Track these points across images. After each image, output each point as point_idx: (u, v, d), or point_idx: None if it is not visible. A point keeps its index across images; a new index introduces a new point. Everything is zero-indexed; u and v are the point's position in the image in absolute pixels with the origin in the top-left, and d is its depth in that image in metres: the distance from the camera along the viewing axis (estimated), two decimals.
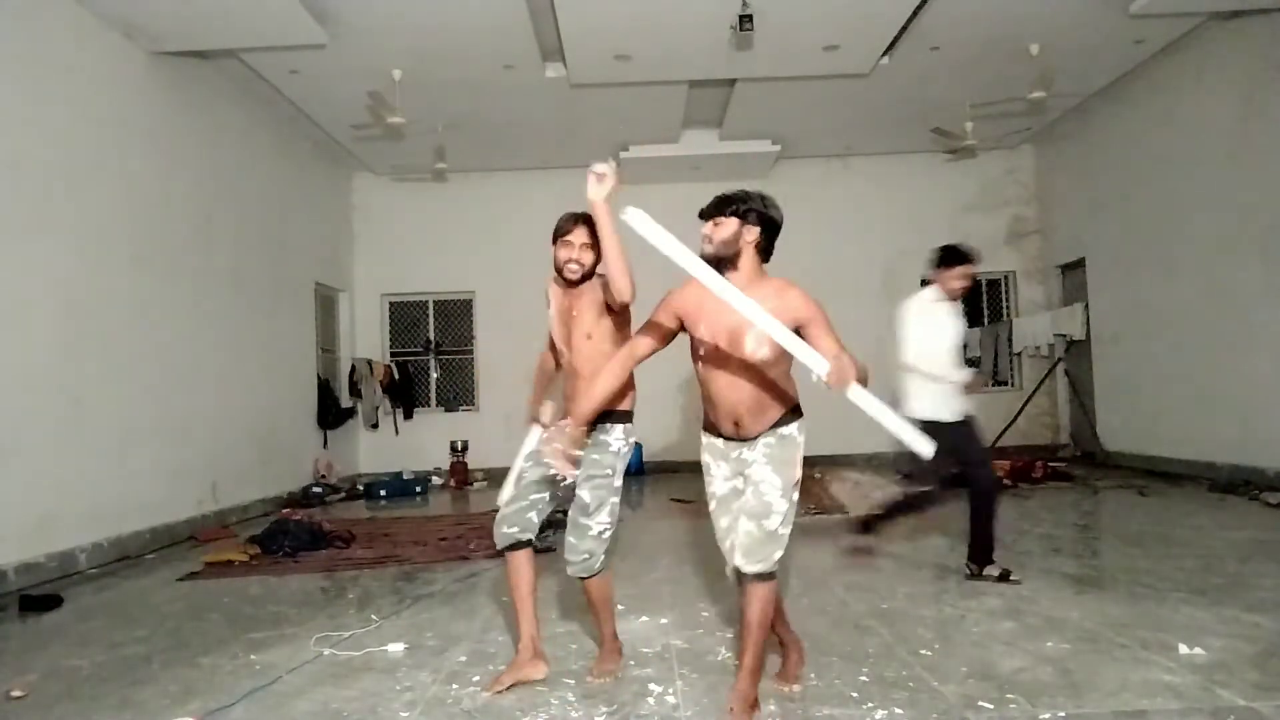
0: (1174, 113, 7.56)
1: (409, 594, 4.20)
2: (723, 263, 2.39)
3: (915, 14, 6.48)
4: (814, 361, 2.23)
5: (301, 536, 5.51)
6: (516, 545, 2.82)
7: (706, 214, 2.46)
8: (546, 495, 2.83)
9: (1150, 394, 8.08)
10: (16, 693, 2.91)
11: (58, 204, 5.15)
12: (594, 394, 2.58)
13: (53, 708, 2.80)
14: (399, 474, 9.36)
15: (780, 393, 2.49)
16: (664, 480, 8.92)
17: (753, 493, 2.44)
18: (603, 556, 2.80)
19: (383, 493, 8.57)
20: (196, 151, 6.79)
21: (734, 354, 2.41)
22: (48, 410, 4.96)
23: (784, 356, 2.38)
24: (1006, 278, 10.53)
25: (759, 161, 9.80)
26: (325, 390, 9.20)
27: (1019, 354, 10.18)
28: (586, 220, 2.76)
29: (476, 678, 2.89)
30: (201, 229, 6.80)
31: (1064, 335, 9.45)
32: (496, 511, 2.88)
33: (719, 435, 2.59)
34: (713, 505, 2.63)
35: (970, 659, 2.88)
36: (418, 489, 8.84)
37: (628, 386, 2.77)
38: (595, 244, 2.74)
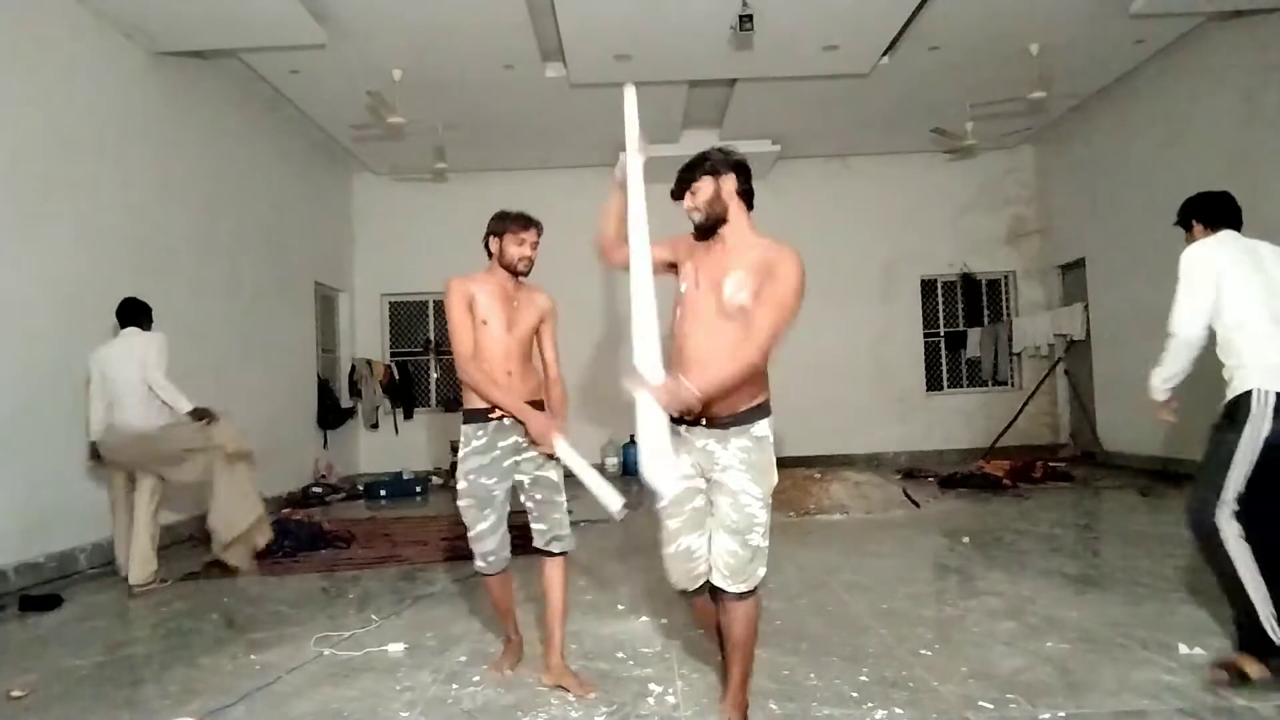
0: (1174, 113, 7.56)
1: (409, 594, 4.20)
2: (717, 224, 2.34)
3: (915, 14, 6.48)
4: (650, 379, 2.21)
5: (301, 536, 5.51)
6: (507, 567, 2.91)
7: (679, 191, 2.40)
8: (505, 510, 2.89)
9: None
10: (16, 693, 2.91)
11: (58, 204, 5.15)
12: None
13: (53, 708, 2.80)
14: (399, 474, 9.36)
15: (755, 379, 2.28)
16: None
17: (731, 505, 2.25)
18: None
19: (383, 493, 8.57)
20: (196, 151, 6.79)
21: (712, 297, 2.29)
22: (47, 410, 4.95)
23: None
24: (1006, 278, 10.53)
25: (759, 161, 9.79)
26: (325, 390, 9.20)
27: (1019, 354, 10.19)
28: (538, 224, 2.98)
29: (476, 678, 2.89)
30: (201, 229, 6.80)
31: (1064, 335, 9.45)
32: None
33: (680, 420, 2.31)
34: (662, 504, 2.34)
35: (970, 659, 2.88)
36: (418, 489, 8.84)
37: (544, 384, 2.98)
38: (538, 244, 2.98)
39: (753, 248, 2.31)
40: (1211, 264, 2.86)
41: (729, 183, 2.34)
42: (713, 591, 2.36)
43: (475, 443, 2.78)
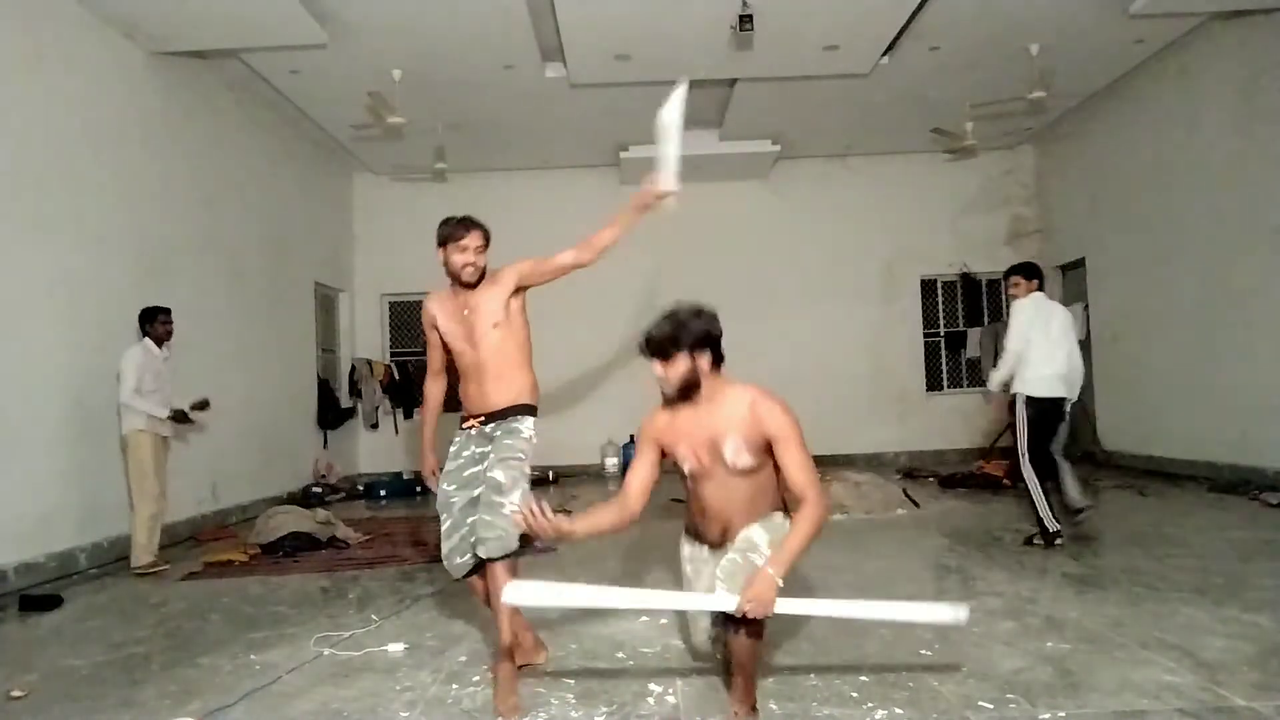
0: (1174, 112, 7.56)
1: (409, 594, 4.20)
2: (688, 394, 2.45)
3: (915, 14, 6.48)
4: (718, 604, 2.29)
5: (301, 536, 5.51)
6: (472, 572, 2.85)
7: (653, 354, 2.44)
8: (463, 518, 2.84)
9: (1150, 394, 8.08)
10: (16, 693, 2.91)
11: (58, 204, 5.15)
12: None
13: (53, 708, 2.80)
14: (399, 474, 9.36)
15: (770, 497, 2.50)
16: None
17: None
18: (517, 539, 2.73)
19: (383, 493, 8.57)
20: (196, 151, 6.79)
21: (717, 465, 2.46)
22: (48, 410, 4.96)
23: (768, 461, 2.45)
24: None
25: (759, 161, 9.80)
26: (325, 390, 9.20)
27: None
28: (478, 225, 2.87)
29: (476, 678, 2.89)
30: (201, 229, 6.80)
31: None
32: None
33: (704, 542, 2.61)
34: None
35: (970, 659, 2.88)
36: (418, 489, 8.84)
37: (534, 382, 2.92)
38: (486, 246, 2.86)
39: (733, 401, 2.43)
40: (1028, 314, 4.87)
41: (704, 360, 2.42)
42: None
43: (451, 446, 2.85)
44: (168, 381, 5.30)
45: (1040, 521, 4.74)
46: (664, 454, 2.60)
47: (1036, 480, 4.77)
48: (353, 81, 7.21)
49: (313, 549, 5.44)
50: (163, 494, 5.23)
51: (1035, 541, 4.75)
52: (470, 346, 2.86)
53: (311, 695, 2.79)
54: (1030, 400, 4.79)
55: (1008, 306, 10.63)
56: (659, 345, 2.41)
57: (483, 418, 2.83)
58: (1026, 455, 4.81)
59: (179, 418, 5.30)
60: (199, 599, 4.32)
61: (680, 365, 2.41)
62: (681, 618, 2.82)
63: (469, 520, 2.80)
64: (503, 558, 2.71)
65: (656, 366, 2.44)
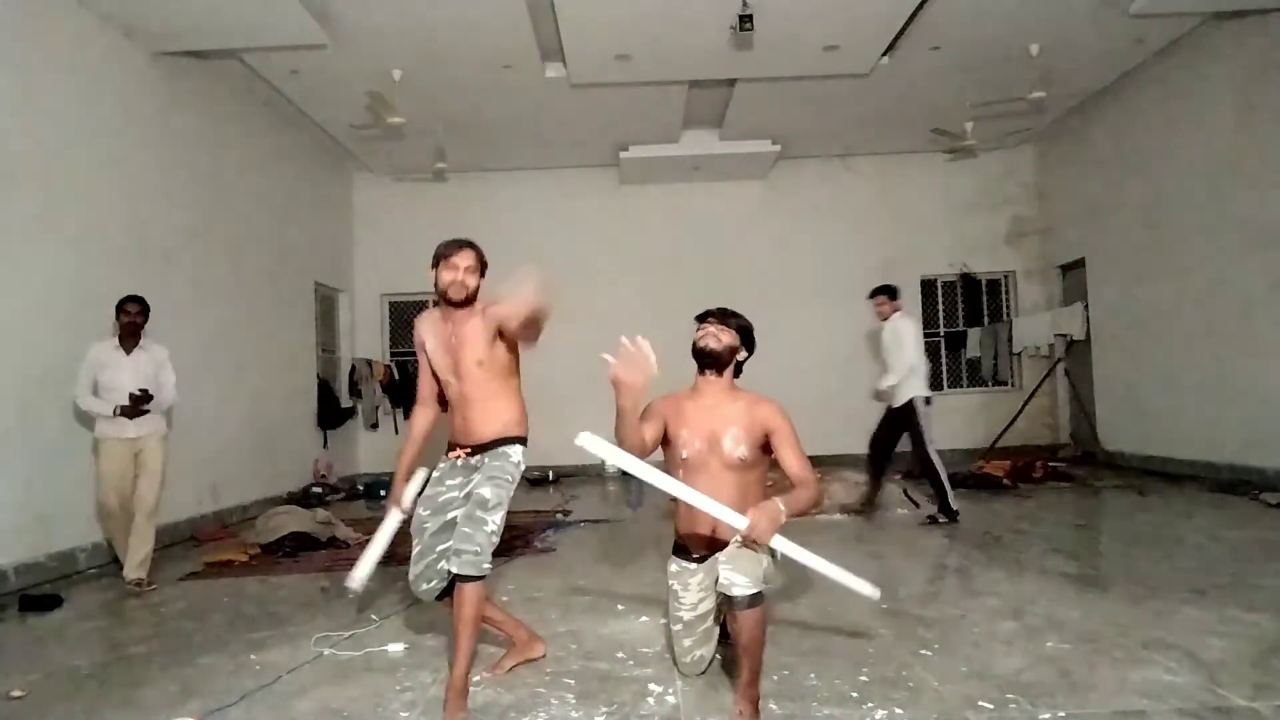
0: (1174, 113, 7.56)
1: (409, 594, 4.18)
2: (717, 364, 2.76)
3: (915, 14, 6.48)
4: (733, 519, 2.39)
5: (301, 536, 5.51)
6: (444, 594, 2.76)
7: (712, 317, 2.80)
8: (450, 537, 2.69)
9: (1150, 394, 8.07)
10: (16, 693, 2.91)
11: (58, 204, 5.15)
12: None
13: (53, 708, 2.80)
14: None
15: (758, 500, 2.55)
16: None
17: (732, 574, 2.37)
18: (489, 560, 2.60)
19: (383, 493, 8.55)
20: (197, 151, 6.79)
21: (714, 456, 2.70)
22: (48, 410, 4.95)
23: (760, 461, 2.73)
24: (1006, 278, 10.53)
25: (759, 161, 9.80)
26: (325, 390, 9.20)
27: (1019, 354, 10.18)
28: (471, 245, 2.81)
29: (476, 678, 2.88)
30: (201, 229, 6.80)
31: (1064, 335, 9.45)
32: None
33: (689, 558, 2.78)
34: (678, 627, 2.76)
35: (970, 659, 2.88)
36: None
37: (522, 411, 2.87)
38: (479, 269, 2.80)
39: (734, 401, 2.75)
40: (916, 330, 5.89)
41: (742, 354, 2.82)
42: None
43: (434, 473, 2.85)
44: (132, 380, 4.67)
45: (947, 504, 5.55)
46: (665, 439, 2.75)
47: (943, 465, 5.62)
48: (353, 81, 7.21)
49: (313, 549, 5.44)
50: (154, 505, 4.77)
51: (940, 520, 5.52)
52: (455, 378, 2.81)
53: (311, 695, 2.79)
54: (926, 400, 5.73)
55: (1008, 307, 10.73)
56: (720, 311, 2.82)
57: (469, 449, 2.78)
58: (934, 445, 5.64)
59: (127, 412, 4.59)
60: (199, 599, 4.32)
61: (730, 336, 2.76)
62: (669, 638, 2.88)
63: (439, 547, 2.72)
64: (471, 579, 2.55)
65: (711, 327, 2.77)
